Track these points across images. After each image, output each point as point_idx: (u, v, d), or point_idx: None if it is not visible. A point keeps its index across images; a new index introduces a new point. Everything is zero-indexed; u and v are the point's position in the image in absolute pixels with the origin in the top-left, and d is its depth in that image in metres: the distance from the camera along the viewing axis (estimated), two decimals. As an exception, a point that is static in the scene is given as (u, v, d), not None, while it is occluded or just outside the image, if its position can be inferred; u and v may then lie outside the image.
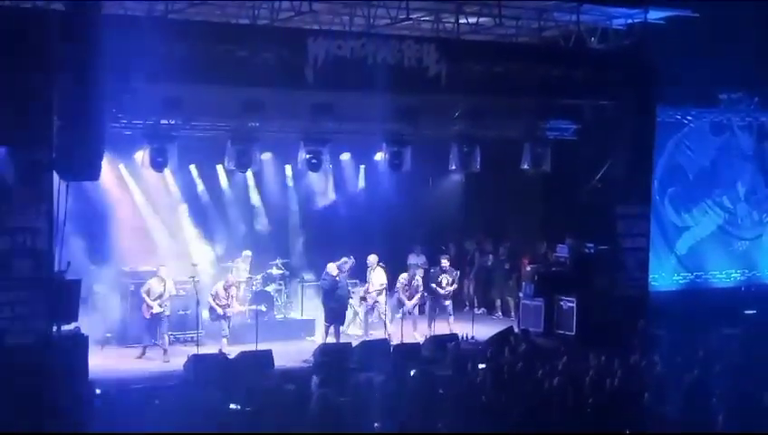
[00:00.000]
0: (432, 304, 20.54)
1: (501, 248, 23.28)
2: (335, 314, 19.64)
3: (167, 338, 18.56)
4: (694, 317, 20.26)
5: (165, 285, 18.47)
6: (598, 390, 14.64)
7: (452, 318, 20.57)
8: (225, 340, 18.65)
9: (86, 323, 17.33)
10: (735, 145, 24.68)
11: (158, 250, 19.85)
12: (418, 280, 20.25)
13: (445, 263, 20.72)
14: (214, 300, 18.71)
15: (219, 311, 18.67)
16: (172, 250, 19.88)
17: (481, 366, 16.66)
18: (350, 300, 20.40)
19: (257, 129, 18.49)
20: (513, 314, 22.60)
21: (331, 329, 19.55)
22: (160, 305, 18.38)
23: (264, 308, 19.57)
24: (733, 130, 24.59)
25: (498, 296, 23.22)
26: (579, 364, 16.20)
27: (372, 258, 20.20)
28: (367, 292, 20.16)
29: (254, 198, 21.65)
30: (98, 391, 15.15)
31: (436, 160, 21.20)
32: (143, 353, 18.44)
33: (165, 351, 18.31)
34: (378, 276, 20.09)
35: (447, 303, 20.53)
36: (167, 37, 16.13)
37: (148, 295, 18.39)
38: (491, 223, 23.85)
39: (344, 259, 20.10)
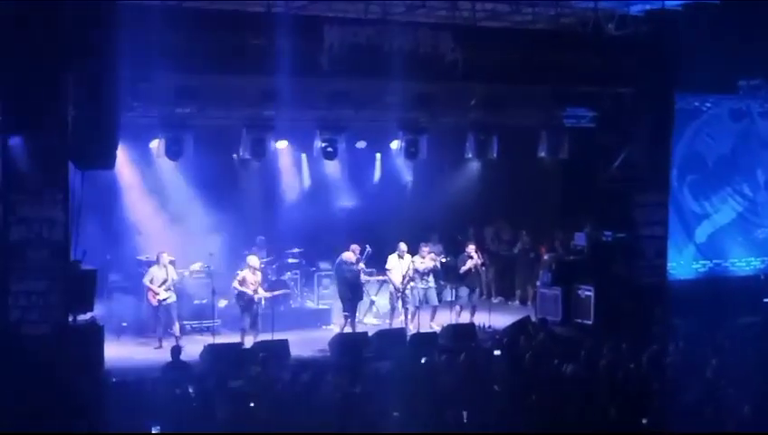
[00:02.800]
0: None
1: (525, 237, 23.15)
2: (353, 304, 19.58)
3: (177, 326, 18.49)
4: (713, 305, 20.13)
5: (167, 271, 18.44)
6: (616, 378, 14.56)
7: (469, 310, 20.53)
8: (251, 336, 18.36)
9: (102, 313, 17.44)
10: (755, 132, 24.46)
11: (172, 239, 19.83)
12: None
13: (470, 248, 20.66)
14: (241, 286, 18.47)
15: (249, 292, 18.33)
16: (187, 239, 19.86)
17: (496, 353, 16.63)
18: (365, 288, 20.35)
19: (272, 117, 18.41)
20: (530, 302, 22.53)
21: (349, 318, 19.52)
22: (166, 291, 18.35)
23: (288, 292, 19.60)
24: (752, 116, 24.37)
25: (520, 285, 23.12)
26: (596, 353, 16.11)
27: (403, 246, 20.11)
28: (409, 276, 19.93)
29: (269, 187, 21.59)
30: (114, 380, 15.15)
31: (452, 148, 21.07)
32: (160, 345, 18.33)
33: (177, 338, 18.16)
34: (407, 264, 19.98)
35: (472, 293, 20.53)
36: (182, 26, 16.07)
37: (152, 283, 18.38)
38: (508, 211, 23.73)
39: (354, 247, 20.00)
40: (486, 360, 16.07)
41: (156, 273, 18.47)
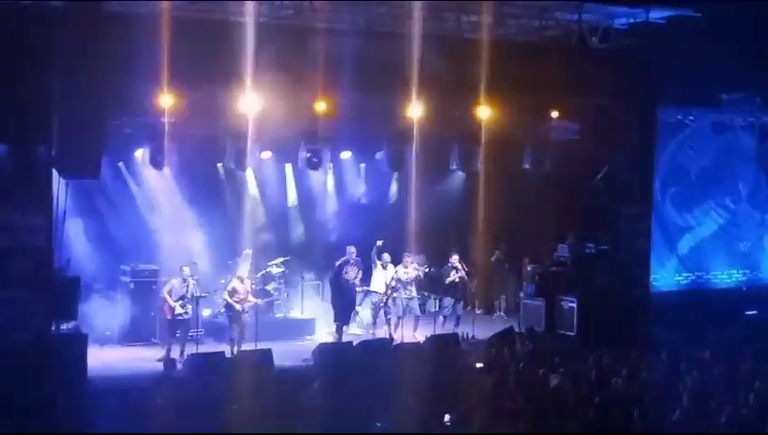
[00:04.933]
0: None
1: (498, 248, 23.21)
2: (345, 313, 19.63)
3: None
4: (695, 317, 20.24)
5: (188, 287, 18.17)
6: (599, 389, 14.61)
7: (452, 321, 20.59)
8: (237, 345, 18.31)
9: (85, 321, 17.38)
10: (737, 145, 24.65)
11: (157, 248, 19.80)
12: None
13: (454, 259, 20.72)
14: (231, 297, 18.30)
15: (237, 307, 18.18)
16: (171, 248, 19.81)
17: (478, 365, 16.68)
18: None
19: (258, 127, 18.41)
20: (502, 312, 22.80)
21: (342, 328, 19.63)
22: (182, 307, 18.09)
23: (277, 298, 19.85)
24: (735, 130, 24.57)
25: (497, 296, 23.19)
26: (579, 364, 16.18)
27: (386, 256, 20.18)
28: (392, 286, 19.97)
29: (254, 197, 21.59)
30: (96, 388, 15.15)
31: (437, 160, 21.13)
32: (168, 356, 17.78)
33: (182, 352, 17.86)
34: (390, 274, 20.05)
35: (457, 303, 20.61)
36: (167, 36, 16.06)
37: (170, 296, 18.11)
38: (491, 223, 23.75)
39: (352, 250, 20.05)
40: (469, 370, 16.12)
41: (176, 286, 18.14)
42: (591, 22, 20.02)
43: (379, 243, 20.20)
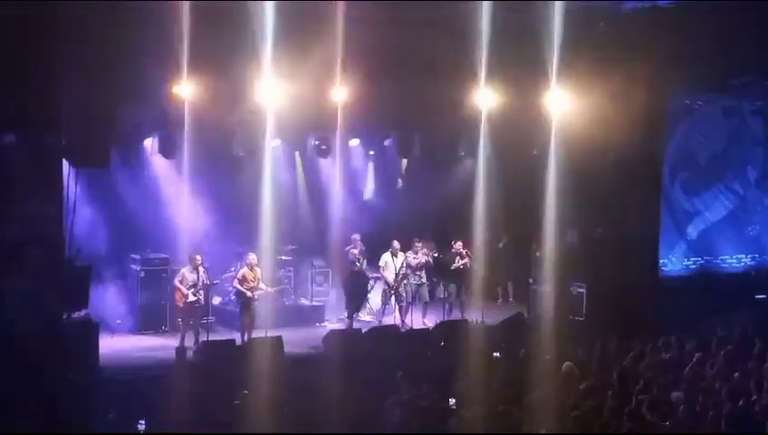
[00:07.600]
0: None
1: (504, 234, 23.21)
2: (358, 300, 19.68)
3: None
4: (704, 302, 20.24)
5: (198, 274, 18.26)
6: (608, 374, 14.67)
7: (458, 307, 20.62)
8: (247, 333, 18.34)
9: (96, 309, 17.46)
10: (746, 130, 24.55)
11: (167, 237, 19.84)
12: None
13: (458, 245, 20.73)
14: (241, 284, 18.35)
15: (248, 294, 18.23)
16: (181, 237, 19.85)
17: (496, 355, 16.74)
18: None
19: (266, 115, 18.41)
20: (511, 298, 22.86)
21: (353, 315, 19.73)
22: (194, 295, 18.17)
23: (287, 285, 19.86)
24: (743, 114, 24.45)
25: (503, 282, 23.22)
26: (589, 349, 16.23)
27: (396, 244, 20.23)
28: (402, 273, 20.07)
29: (263, 185, 21.60)
30: (109, 377, 15.24)
31: (445, 146, 21.12)
32: (182, 344, 17.80)
33: (196, 340, 17.97)
34: (400, 261, 20.11)
35: (461, 289, 20.60)
36: (178, 23, 16.10)
37: (182, 284, 18.21)
38: (500, 208, 23.74)
39: (356, 238, 20.15)
40: (479, 357, 16.18)
41: (187, 274, 18.23)
42: (600, 6, 19.94)
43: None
